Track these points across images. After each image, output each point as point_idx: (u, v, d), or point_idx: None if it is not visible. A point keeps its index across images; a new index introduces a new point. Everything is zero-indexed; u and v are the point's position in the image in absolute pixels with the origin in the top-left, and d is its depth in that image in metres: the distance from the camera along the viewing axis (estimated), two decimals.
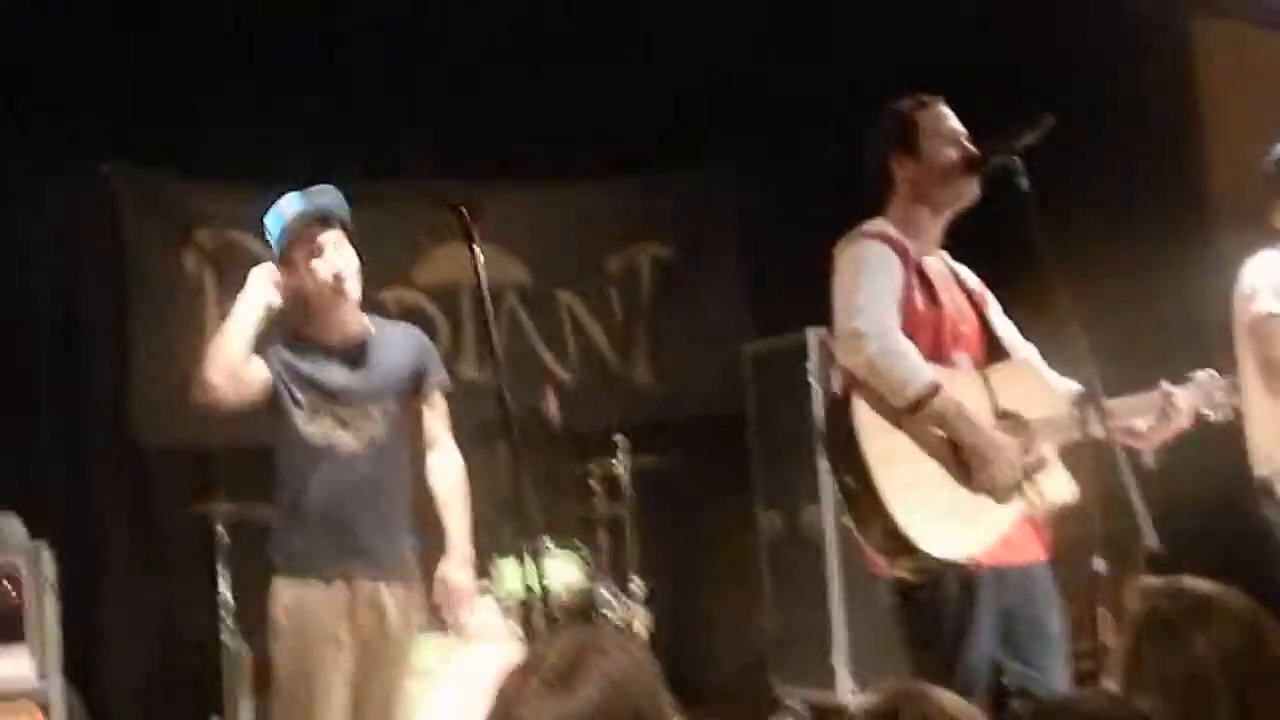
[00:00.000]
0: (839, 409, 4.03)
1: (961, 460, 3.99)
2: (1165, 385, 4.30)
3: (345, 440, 4.62)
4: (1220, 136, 8.78)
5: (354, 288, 4.69)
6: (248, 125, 7.23)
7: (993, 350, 4.31)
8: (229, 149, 7.28)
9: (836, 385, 4.12)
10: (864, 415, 3.97)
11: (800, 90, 7.98)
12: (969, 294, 4.35)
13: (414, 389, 4.79)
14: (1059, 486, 4.07)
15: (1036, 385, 4.16)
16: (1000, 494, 3.99)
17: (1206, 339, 5.89)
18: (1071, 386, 4.12)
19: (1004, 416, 4.09)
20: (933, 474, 3.98)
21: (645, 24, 7.88)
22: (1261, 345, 5.04)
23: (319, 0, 7.57)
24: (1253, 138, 8.25)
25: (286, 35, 7.47)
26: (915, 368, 3.95)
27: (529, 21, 7.82)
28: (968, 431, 3.96)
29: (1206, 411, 4.32)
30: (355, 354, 4.72)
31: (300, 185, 4.77)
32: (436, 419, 4.88)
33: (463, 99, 7.74)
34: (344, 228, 4.69)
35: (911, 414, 3.95)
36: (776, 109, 8.14)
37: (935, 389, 3.93)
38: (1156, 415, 4.24)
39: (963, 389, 4.04)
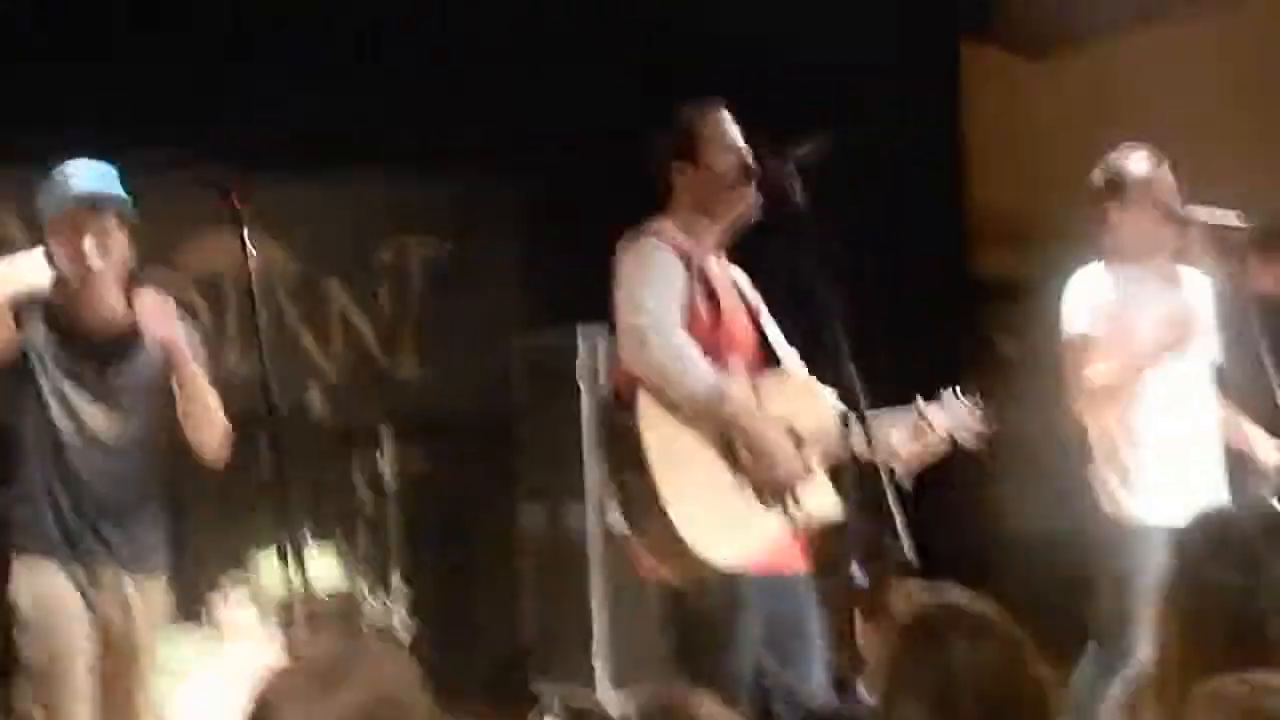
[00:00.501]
0: (620, 407, 4.03)
1: (739, 462, 4.02)
2: (920, 402, 4.42)
3: (97, 426, 4.49)
4: (981, 160, 9.05)
5: (116, 278, 4.52)
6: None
7: (765, 359, 4.36)
8: None
9: (614, 383, 4.13)
10: (647, 414, 3.98)
11: (578, 87, 8.00)
12: (745, 301, 4.40)
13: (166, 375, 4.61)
14: (823, 501, 4.13)
15: (807, 397, 4.23)
16: (777, 494, 4.03)
17: (964, 361, 6.02)
18: (836, 402, 4.18)
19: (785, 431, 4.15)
20: (712, 478, 4.01)
21: (421, 18, 7.80)
22: (1070, 368, 5.03)
23: None
24: (1014, 160, 8.56)
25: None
26: (699, 367, 3.98)
27: (318, 11, 7.70)
28: (754, 429, 3.99)
29: (959, 434, 4.47)
30: (113, 344, 4.56)
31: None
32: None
33: (234, 83, 7.56)
34: (119, 214, 4.49)
35: (694, 412, 3.95)
36: (554, 106, 8.14)
37: (719, 388, 3.95)
38: (912, 433, 4.36)
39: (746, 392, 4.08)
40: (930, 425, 4.40)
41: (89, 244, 4.39)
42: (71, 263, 4.43)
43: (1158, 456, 4.95)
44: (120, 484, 4.53)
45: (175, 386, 4.52)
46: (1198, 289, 5.10)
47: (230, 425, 4.65)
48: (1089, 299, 5.02)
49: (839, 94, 7.98)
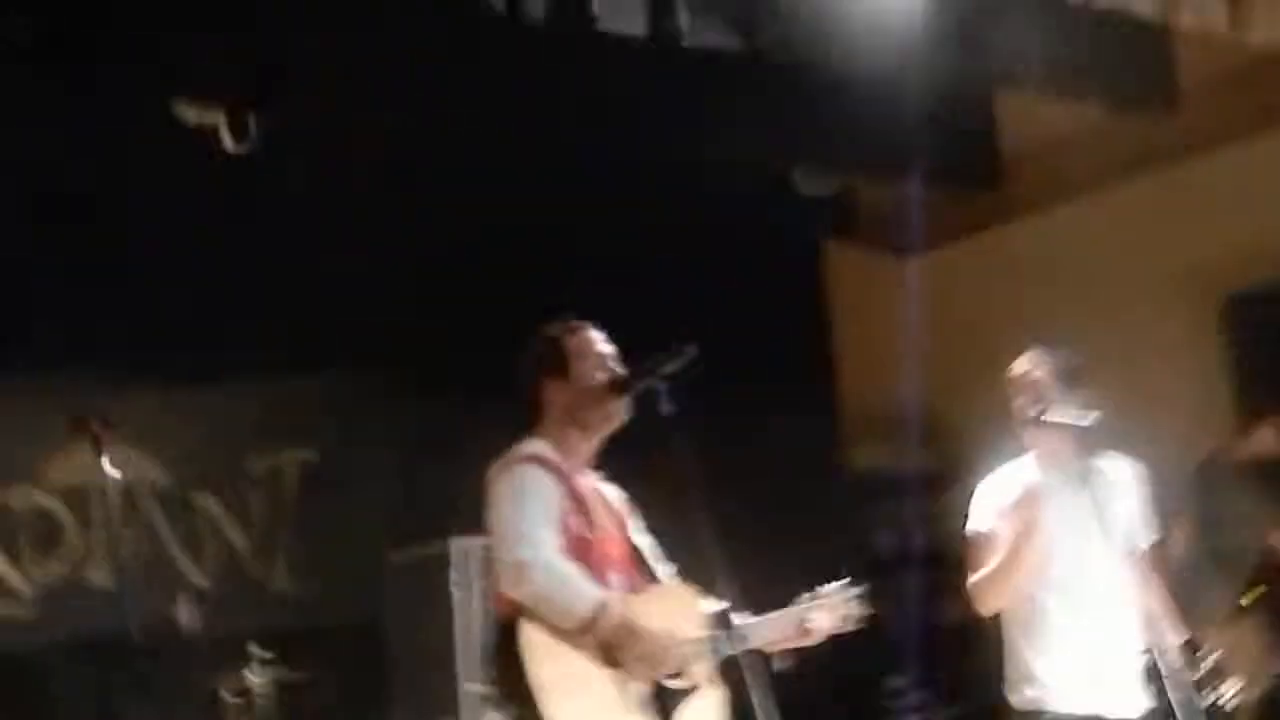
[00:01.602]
0: (504, 635, 4.03)
1: (625, 671, 4.02)
2: (802, 605, 4.50)
3: None
4: (851, 358, 9.20)
5: None
6: None
7: (640, 568, 4.37)
8: None
9: (496, 607, 4.12)
10: (531, 642, 3.98)
11: (450, 299, 8.07)
12: (615, 513, 4.42)
13: None
14: (713, 713, 4.13)
15: (685, 608, 4.23)
16: (667, 706, 4.02)
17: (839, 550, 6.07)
18: (709, 605, 4.19)
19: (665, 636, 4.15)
20: (602, 702, 3.99)
21: (284, 221, 7.82)
22: (969, 565, 5.09)
23: None
24: (881, 359, 8.71)
25: None
26: (579, 590, 4.00)
27: (171, 217, 7.68)
28: (636, 641, 4.00)
29: (840, 624, 4.55)
30: None
31: None
32: None
33: (101, 294, 7.51)
34: None
35: (582, 635, 3.97)
36: (427, 313, 8.19)
37: (604, 607, 3.97)
38: (794, 633, 4.43)
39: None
40: (813, 629, 4.47)
41: None
42: None
43: (1060, 650, 5.00)
44: None
45: None
46: (1114, 481, 5.11)
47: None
48: (992, 499, 5.11)
49: (707, 299, 8.15)
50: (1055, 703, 4.97)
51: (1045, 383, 4.99)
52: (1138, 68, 6.77)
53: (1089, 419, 4.80)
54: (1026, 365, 5.09)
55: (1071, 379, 4.99)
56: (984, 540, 5.04)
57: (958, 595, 8.79)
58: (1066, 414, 4.83)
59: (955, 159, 7.29)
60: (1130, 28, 6.46)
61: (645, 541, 4.45)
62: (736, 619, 4.16)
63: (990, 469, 5.26)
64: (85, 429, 3.78)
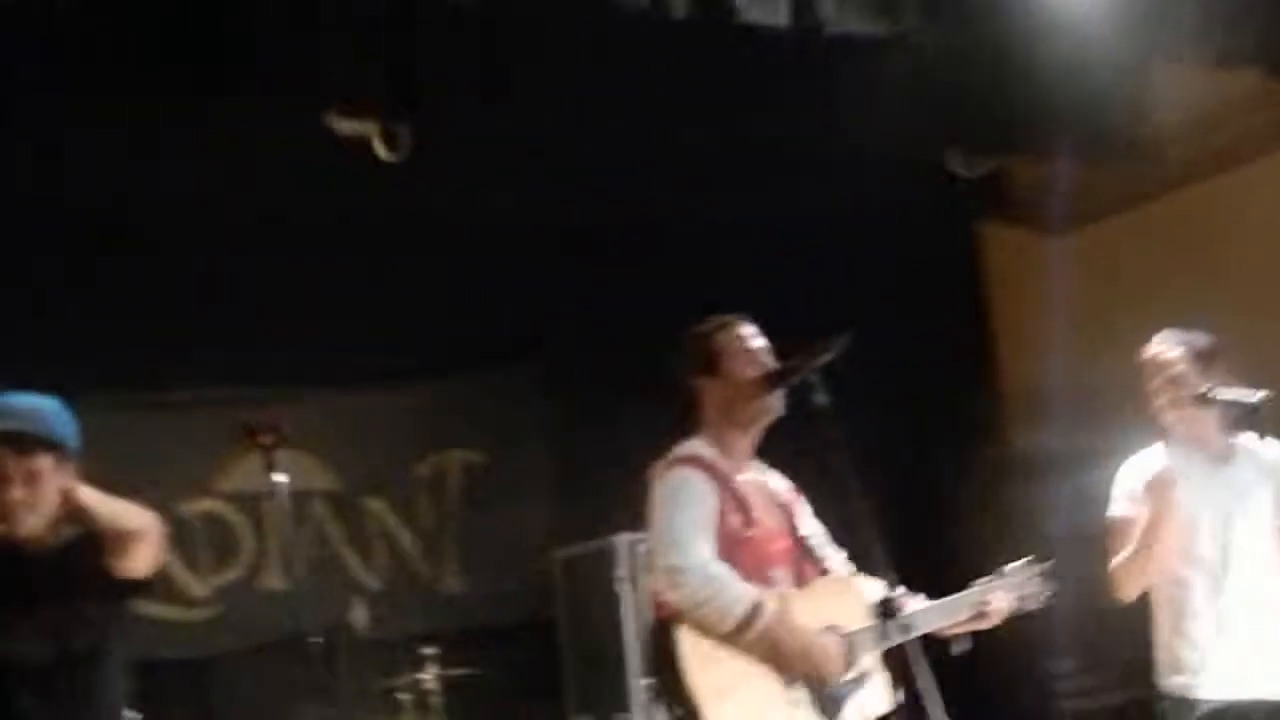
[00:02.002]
0: (661, 637, 4.09)
1: (793, 678, 4.07)
2: (978, 588, 4.52)
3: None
4: (1009, 338, 9.10)
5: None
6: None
7: (806, 559, 4.39)
8: None
9: (655, 610, 4.17)
10: (688, 647, 4.04)
11: (615, 296, 8.14)
12: (781, 505, 4.43)
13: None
14: (877, 697, 4.14)
15: (850, 599, 4.24)
16: (833, 703, 4.04)
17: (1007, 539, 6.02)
18: (874, 594, 4.19)
19: (825, 631, 4.16)
20: (763, 700, 4.03)
21: (447, 222, 7.93)
22: (1108, 550, 5.06)
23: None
24: (1039, 338, 8.61)
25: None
26: (736, 594, 4.04)
27: (328, 222, 7.83)
28: (793, 638, 4.05)
29: (1021, 604, 4.62)
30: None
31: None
32: None
33: (263, 306, 7.68)
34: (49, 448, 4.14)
35: (739, 637, 4.01)
36: (586, 314, 8.27)
37: (758, 608, 4.01)
38: (969, 616, 4.47)
39: (789, 609, 4.11)
40: (991, 610, 4.51)
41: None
42: None
43: (1209, 634, 4.92)
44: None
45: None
46: (1260, 460, 5.04)
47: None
48: (1130, 483, 5.05)
49: (864, 286, 8.11)
50: (1207, 689, 4.89)
51: (1181, 364, 4.94)
52: None
53: (1258, 396, 4.73)
54: (1159, 347, 5.04)
55: (1206, 361, 4.94)
56: (1121, 525, 5.00)
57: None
58: (1235, 392, 4.76)
59: (1108, 133, 7.16)
60: None
61: (815, 529, 4.46)
62: (905, 606, 4.16)
63: (1136, 450, 5.18)
64: (255, 438, 3.85)
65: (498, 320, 8.38)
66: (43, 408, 4.22)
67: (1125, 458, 5.20)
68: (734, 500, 4.26)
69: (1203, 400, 4.83)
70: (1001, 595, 4.56)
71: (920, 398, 8.10)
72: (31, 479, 4.09)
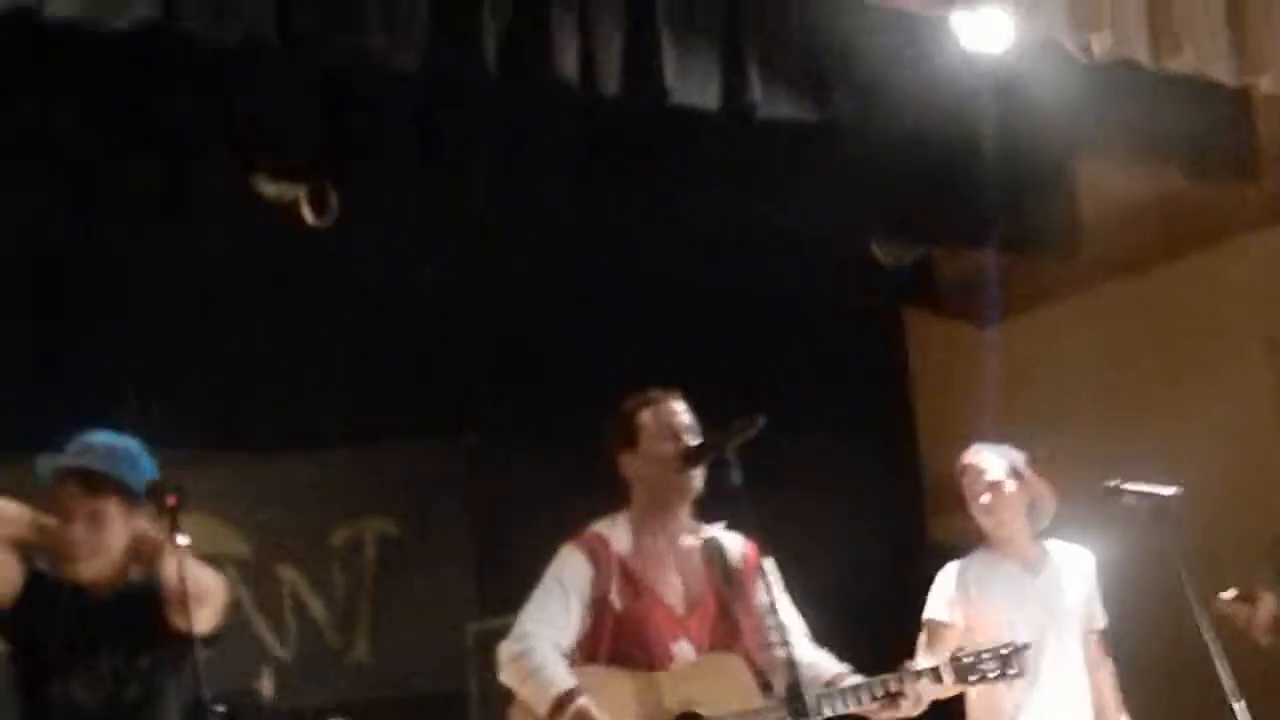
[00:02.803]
0: None
1: None
2: (898, 676, 4.46)
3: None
4: (932, 427, 9.13)
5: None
6: None
7: (732, 629, 4.36)
8: None
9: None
10: None
11: (529, 370, 8.12)
12: (723, 574, 4.40)
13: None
14: None
15: (726, 680, 4.25)
16: None
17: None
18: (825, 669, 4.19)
19: (683, 716, 4.19)
20: None
21: (375, 288, 7.90)
22: (921, 648, 5.20)
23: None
24: (962, 428, 8.63)
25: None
26: (549, 678, 4.11)
27: (253, 287, 7.78)
28: None
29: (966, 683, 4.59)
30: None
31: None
32: None
33: (181, 366, 7.60)
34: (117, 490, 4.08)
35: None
36: (517, 385, 8.24)
37: (569, 697, 4.06)
38: (881, 704, 4.42)
39: (642, 690, 4.15)
40: (905, 696, 4.44)
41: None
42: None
43: None
44: None
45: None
46: (1070, 567, 5.28)
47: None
48: (947, 588, 5.28)
49: (786, 370, 8.14)
50: None
51: (998, 474, 5.20)
52: (1217, 134, 6.71)
53: (1171, 490, 4.79)
54: (976, 457, 5.28)
55: (1018, 474, 5.22)
56: (935, 628, 5.20)
57: None
58: (1146, 486, 4.82)
59: (1034, 226, 7.23)
60: (1210, 94, 6.41)
61: (769, 599, 4.35)
62: (812, 691, 4.13)
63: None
64: (158, 500, 3.78)
65: (423, 389, 8.33)
66: (121, 448, 4.15)
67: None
68: (621, 576, 4.29)
69: (1111, 493, 4.87)
70: (916, 687, 4.48)
71: (844, 483, 8.10)
72: (95, 520, 4.01)
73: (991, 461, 5.23)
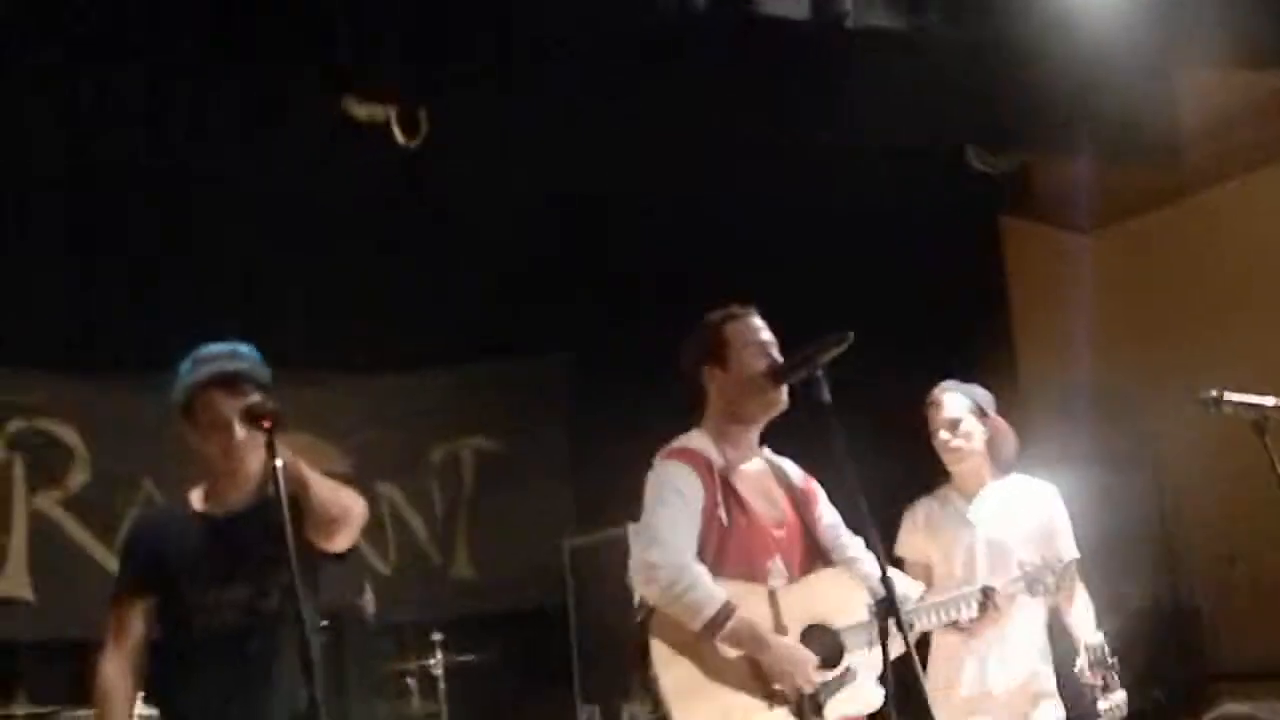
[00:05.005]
0: (639, 633, 4.12)
1: (760, 675, 4.06)
2: (989, 581, 4.65)
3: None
4: (1029, 334, 9.07)
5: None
6: (56, 314, 7.14)
7: (814, 548, 4.37)
8: (37, 338, 7.16)
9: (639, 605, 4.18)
10: (659, 646, 4.06)
11: (626, 287, 8.13)
12: (792, 494, 4.40)
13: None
14: (864, 697, 4.12)
15: (847, 592, 4.21)
16: (798, 700, 4.06)
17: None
18: (872, 593, 4.18)
19: (811, 628, 4.16)
20: (736, 701, 4.05)
21: (465, 211, 7.93)
22: None
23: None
24: (1060, 335, 8.57)
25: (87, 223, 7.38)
26: (708, 594, 4.02)
27: (350, 207, 7.84)
28: (759, 649, 4.06)
29: (1032, 596, 4.75)
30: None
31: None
32: None
33: (283, 288, 7.69)
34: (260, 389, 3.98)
35: (707, 636, 4.02)
36: (612, 304, 8.27)
37: (728, 612, 4.01)
38: (978, 608, 4.56)
39: (764, 605, 4.11)
40: (998, 603, 4.60)
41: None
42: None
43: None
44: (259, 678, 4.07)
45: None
46: (1021, 504, 5.25)
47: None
48: (907, 525, 5.32)
49: (887, 281, 8.09)
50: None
51: (960, 413, 5.21)
52: None
53: (1271, 401, 4.77)
54: (938, 395, 5.28)
55: (982, 413, 5.23)
56: (901, 563, 5.19)
57: (1142, 579, 8.70)
58: (1244, 395, 4.79)
59: (1131, 133, 7.12)
60: None
61: (833, 519, 4.41)
62: (904, 603, 4.14)
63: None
64: (255, 421, 3.78)
65: (519, 309, 8.37)
66: (244, 350, 4.07)
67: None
68: (725, 492, 4.24)
69: (1211, 403, 4.83)
70: (1009, 590, 4.63)
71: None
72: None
73: (954, 400, 5.24)
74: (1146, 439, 8.45)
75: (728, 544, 4.15)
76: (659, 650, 4.05)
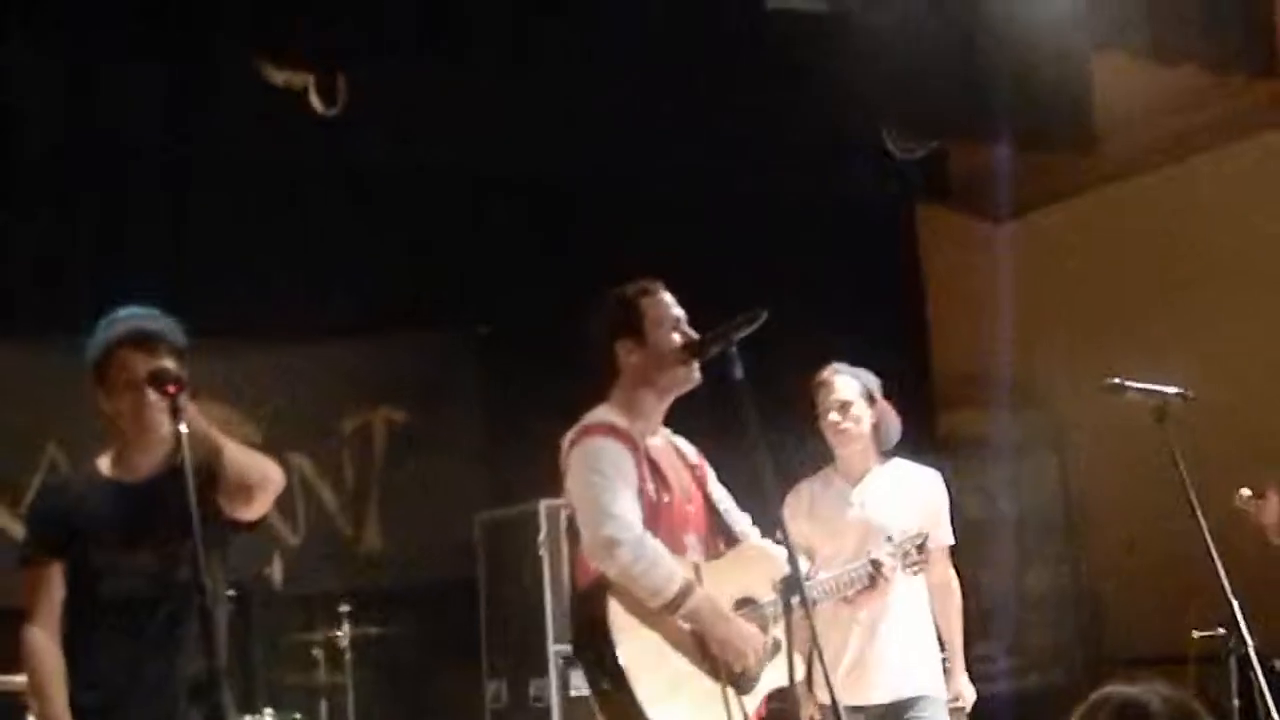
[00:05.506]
0: (589, 605, 4.08)
1: (709, 653, 4.09)
2: (873, 554, 4.70)
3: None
4: (942, 321, 9.15)
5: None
6: None
7: (715, 525, 4.39)
8: None
9: (578, 577, 4.16)
10: (617, 617, 4.03)
11: (557, 257, 8.13)
12: (691, 470, 4.43)
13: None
14: (784, 670, 4.16)
15: (763, 568, 4.24)
16: (744, 680, 4.10)
17: None
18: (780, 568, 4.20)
19: (742, 604, 4.19)
20: (684, 673, 4.07)
21: (383, 180, 7.89)
22: None
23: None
24: (973, 324, 8.66)
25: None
26: (670, 571, 4.05)
27: (267, 175, 7.78)
28: (719, 626, 4.08)
29: (907, 569, 4.79)
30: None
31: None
32: None
33: (195, 254, 7.61)
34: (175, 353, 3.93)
35: (667, 613, 4.03)
36: (517, 271, 8.26)
37: (689, 588, 4.03)
38: (866, 581, 4.65)
39: (704, 579, 4.13)
40: (885, 574, 4.68)
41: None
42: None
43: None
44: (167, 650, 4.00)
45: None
46: (900, 488, 5.29)
47: None
48: (791, 506, 5.18)
49: (797, 264, 8.14)
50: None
51: (849, 395, 5.23)
52: (1234, 28, 6.64)
53: (1172, 390, 4.85)
54: (829, 377, 5.30)
55: (870, 397, 5.26)
56: None
57: (1046, 563, 8.81)
58: (1147, 383, 4.87)
59: (1049, 122, 7.19)
60: None
61: (722, 495, 4.46)
62: (809, 579, 4.19)
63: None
64: (160, 387, 3.74)
65: (433, 280, 8.34)
66: (165, 317, 3.99)
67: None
68: (648, 466, 4.24)
69: (1113, 390, 4.90)
70: (891, 562, 4.69)
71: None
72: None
73: (845, 382, 5.27)
74: (1056, 426, 8.57)
75: (654, 519, 4.15)
76: (618, 620, 4.03)
